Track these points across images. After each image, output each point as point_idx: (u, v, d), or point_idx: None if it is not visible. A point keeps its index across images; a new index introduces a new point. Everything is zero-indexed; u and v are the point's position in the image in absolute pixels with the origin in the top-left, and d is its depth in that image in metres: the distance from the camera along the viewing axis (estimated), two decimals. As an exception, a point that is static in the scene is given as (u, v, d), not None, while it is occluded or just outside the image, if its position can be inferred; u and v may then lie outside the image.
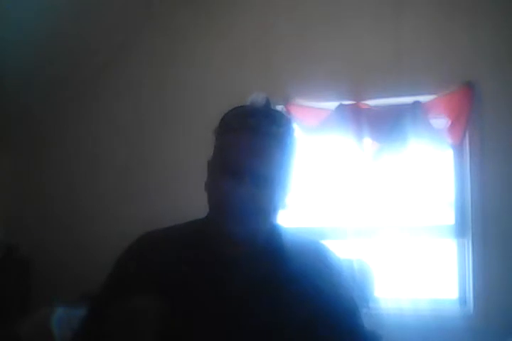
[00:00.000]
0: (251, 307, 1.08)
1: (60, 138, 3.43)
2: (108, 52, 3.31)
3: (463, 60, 2.81)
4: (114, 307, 1.04)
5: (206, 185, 1.15)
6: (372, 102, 2.90)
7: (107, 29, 3.16)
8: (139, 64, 3.33)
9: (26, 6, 2.62)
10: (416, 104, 2.80)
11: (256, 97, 1.17)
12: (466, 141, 2.80)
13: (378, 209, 2.93)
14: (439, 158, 2.91)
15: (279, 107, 2.77)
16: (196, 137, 3.11)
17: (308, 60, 2.99)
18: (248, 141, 1.09)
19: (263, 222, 1.12)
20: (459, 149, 2.80)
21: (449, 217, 2.85)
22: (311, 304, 1.08)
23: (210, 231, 1.12)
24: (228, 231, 1.08)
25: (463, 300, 2.78)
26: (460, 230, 2.80)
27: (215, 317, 1.07)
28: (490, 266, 2.69)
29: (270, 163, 1.09)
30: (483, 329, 2.62)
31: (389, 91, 2.88)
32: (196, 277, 1.09)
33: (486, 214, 2.73)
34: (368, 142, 2.86)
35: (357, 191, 2.96)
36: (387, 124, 2.82)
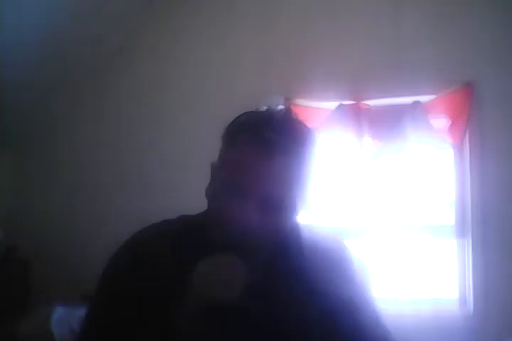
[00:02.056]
0: (261, 307, 1.03)
1: (60, 138, 3.43)
2: (108, 52, 3.31)
3: (463, 60, 2.81)
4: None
5: (207, 191, 1.04)
6: (372, 102, 2.90)
7: (107, 29, 3.15)
8: (139, 64, 3.33)
9: (26, 6, 2.62)
10: (416, 104, 2.80)
11: (274, 102, 1.03)
12: (466, 141, 2.80)
13: (378, 209, 2.93)
14: (439, 158, 2.91)
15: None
16: (196, 136, 3.12)
17: (308, 60, 2.99)
18: (262, 160, 0.95)
19: (269, 240, 1.01)
20: (459, 149, 2.80)
21: (449, 217, 2.85)
22: (327, 303, 1.02)
23: (210, 237, 1.02)
24: (229, 246, 0.97)
25: (463, 300, 2.78)
26: (460, 230, 2.80)
27: (220, 319, 1.00)
28: (490, 266, 2.68)
29: (285, 187, 0.97)
30: (483, 329, 2.62)
31: (389, 91, 2.88)
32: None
33: (486, 214, 2.73)
34: (368, 142, 2.86)
35: (357, 191, 2.96)
36: (387, 124, 2.82)
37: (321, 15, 3.03)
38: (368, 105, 2.89)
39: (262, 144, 0.96)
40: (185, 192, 3.00)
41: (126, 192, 3.22)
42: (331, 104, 2.91)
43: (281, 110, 1.06)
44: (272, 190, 0.97)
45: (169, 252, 1.05)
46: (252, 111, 1.05)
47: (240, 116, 1.04)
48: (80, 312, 2.55)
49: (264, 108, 1.05)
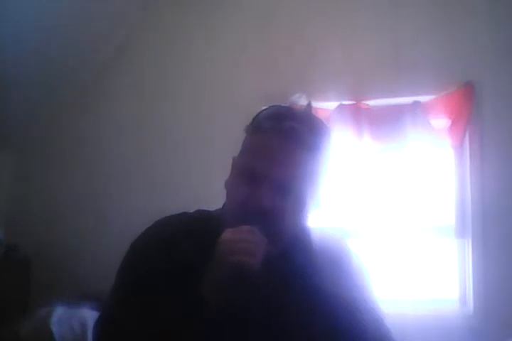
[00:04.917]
0: (267, 298, 1.03)
1: (60, 138, 3.43)
2: (108, 52, 3.31)
3: (463, 60, 2.82)
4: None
5: (227, 182, 1.08)
6: (372, 102, 2.90)
7: (107, 29, 3.16)
8: (139, 63, 3.33)
9: (25, 6, 2.62)
10: (416, 104, 2.80)
11: (297, 98, 1.08)
12: (466, 141, 2.80)
13: (378, 209, 2.93)
14: (439, 158, 2.91)
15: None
16: (197, 135, 3.13)
17: (308, 60, 2.99)
18: (277, 146, 0.99)
19: (280, 231, 1.03)
20: (459, 149, 2.80)
21: (449, 217, 2.85)
22: (328, 303, 1.03)
23: (225, 223, 1.04)
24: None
25: (463, 300, 2.78)
26: (460, 230, 2.80)
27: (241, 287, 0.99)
28: (490, 266, 2.69)
29: (295, 174, 1.00)
30: (483, 329, 2.62)
31: (389, 91, 2.88)
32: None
33: (486, 214, 2.73)
34: (368, 142, 2.86)
35: (356, 191, 2.96)
36: (387, 124, 2.82)
37: (320, 16, 3.03)
38: (367, 105, 2.89)
39: (281, 132, 0.99)
40: (187, 191, 3.01)
41: (127, 192, 3.22)
42: (331, 104, 2.91)
43: (302, 106, 1.10)
44: (287, 177, 1.00)
45: (189, 234, 1.07)
46: (275, 105, 1.09)
47: (264, 109, 1.08)
48: (80, 312, 2.55)
49: (288, 103, 1.10)
